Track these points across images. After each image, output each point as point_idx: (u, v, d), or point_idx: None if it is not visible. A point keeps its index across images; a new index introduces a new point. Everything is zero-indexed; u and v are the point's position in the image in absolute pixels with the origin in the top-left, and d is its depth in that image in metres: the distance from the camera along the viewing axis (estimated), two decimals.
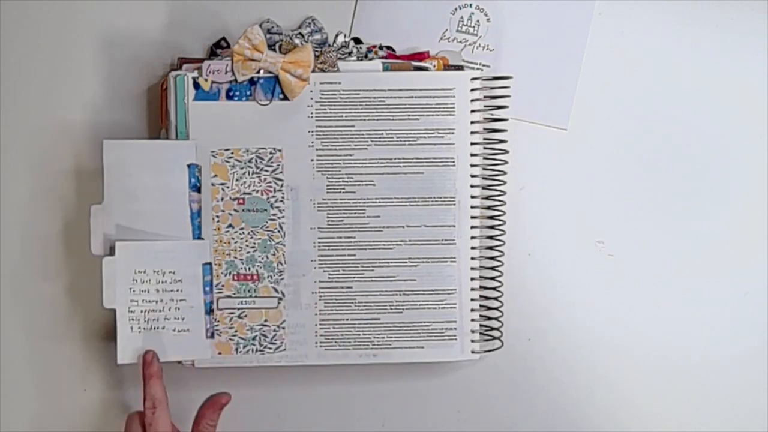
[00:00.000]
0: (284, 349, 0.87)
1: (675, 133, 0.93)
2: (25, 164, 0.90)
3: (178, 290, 0.84)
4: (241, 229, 0.86)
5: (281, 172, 0.86)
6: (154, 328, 0.84)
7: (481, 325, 0.89)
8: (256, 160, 0.86)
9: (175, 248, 0.84)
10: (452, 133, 0.87)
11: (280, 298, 0.87)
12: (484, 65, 0.92)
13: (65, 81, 0.90)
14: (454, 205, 0.88)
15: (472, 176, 0.88)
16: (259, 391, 0.92)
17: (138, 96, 0.90)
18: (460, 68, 0.89)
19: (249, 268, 0.87)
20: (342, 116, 0.86)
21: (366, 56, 0.89)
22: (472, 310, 0.88)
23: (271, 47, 0.85)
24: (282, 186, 0.86)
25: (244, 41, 0.84)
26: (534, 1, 0.92)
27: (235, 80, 0.85)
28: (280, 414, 0.92)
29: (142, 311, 0.84)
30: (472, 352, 0.89)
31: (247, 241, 0.86)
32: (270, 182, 0.86)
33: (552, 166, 0.93)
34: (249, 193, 0.86)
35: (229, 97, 0.85)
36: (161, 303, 0.84)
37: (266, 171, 0.86)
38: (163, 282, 0.84)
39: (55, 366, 0.91)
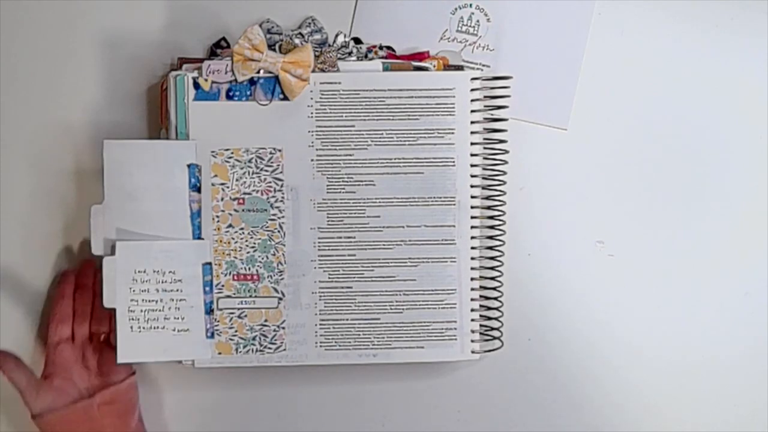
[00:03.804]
0: (284, 349, 0.87)
1: (675, 133, 0.93)
2: (25, 164, 0.90)
3: (178, 290, 0.84)
4: (241, 229, 0.86)
5: (281, 172, 0.86)
6: (154, 328, 0.84)
7: (481, 325, 0.89)
8: (256, 160, 0.86)
9: (175, 248, 0.84)
10: (452, 133, 0.87)
11: (280, 298, 0.87)
12: (484, 65, 0.92)
13: (65, 81, 0.90)
14: (454, 205, 0.88)
15: (472, 176, 0.88)
16: (259, 391, 0.92)
17: (138, 96, 0.90)
18: (460, 68, 0.89)
19: (249, 268, 0.87)
20: (342, 116, 0.86)
21: (366, 56, 0.89)
22: (472, 310, 0.88)
23: (271, 47, 0.85)
24: (282, 186, 0.86)
25: (244, 41, 0.84)
26: (534, 1, 0.92)
27: (235, 80, 0.85)
28: (280, 414, 0.92)
29: (142, 311, 0.84)
30: (472, 352, 0.89)
31: (247, 241, 0.86)
32: (270, 182, 0.86)
33: (552, 166, 0.93)
34: (249, 193, 0.86)
35: (229, 97, 0.85)
36: (161, 303, 0.84)
37: (266, 171, 0.86)
38: (163, 282, 0.84)
39: None
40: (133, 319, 0.84)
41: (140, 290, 0.84)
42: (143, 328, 0.84)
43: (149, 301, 0.84)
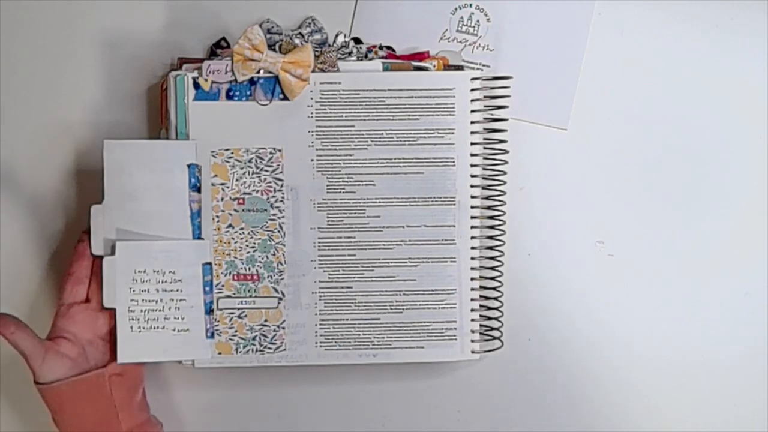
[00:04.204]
0: (284, 349, 0.87)
1: (675, 133, 0.93)
2: (25, 164, 0.90)
3: (178, 290, 0.84)
4: (241, 229, 0.86)
5: (281, 172, 0.86)
6: (154, 328, 0.84)
7: (481, 325, 0.89)
8: (256, 160, 0.86)
9: (175, 248, 0.84)
10: (452, 133, 0.87)
11: (280, 298, 0.87)
12: (484, 65, 0.92)
13: (65, 81, 0.90)
14: (454, 205, 0.88)
15: (472, 176, 0.88)
16: (259, 391, 0.92)
17: (138, 96, 0.90)
18: (460, 68, 0.89)
19: (249, 268, 0.87)
20: (342, 116, 0.86)
21: (366, 56, 0.89)
22: (472, 310, 0.88)
23: (271, 47, 0.85)
24: (282, 186, 0.86)
25: (244, 41, 0.84)
26: (534, 1, 0.92)
27: (235, 80, 0.85)
28: (280, 414, 0.92)
29: (142, 311, 0.84)
30: (472, 352, 0.89)
31: (247, 241, 0.86)
32: (270, 182, 0.86)
33: (552, 166, 0.93)
34: (249, 193, 0.86)
35: (229, 97, 0.85)
36: (161, 303, 0.84)
37: (266, 171, 0.86)
38: (163, 282, 0.84)
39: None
40: (133, 319, 0.84)
41: (140, 290, 0.84)
42: (143, 328, 0.84)
43: (149, 301, 0.84)
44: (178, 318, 0.85)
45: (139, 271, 0.84)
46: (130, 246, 0.84)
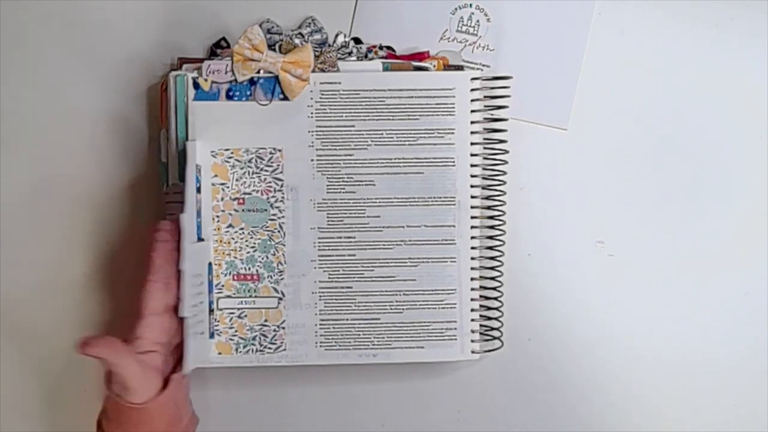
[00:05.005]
0: (284, 349, 0.87)
1: (675, 133, 0.93)
2: (24, 165, 0.90)
3: (200, 293, 0.84)
4: (241, 229, 0.86)
5: (281, 172, 0.86)
6: (197, 333, 0.82)
7: (481, 325, 0.89)
8: (256, 160, 0.86)
9: (201, 249, 0.83)
10: (452, 133, 0.87)
11: (280, 298, 0.87)
12: (484, 65, 0.92)
13: (65, 81, 0.90)
14: (454, 205, 0.88)
15: (472, 176, 0.88)
16: (259, 391, 0.92)
17: (138, 96, 0.90)
18: (460, 68, 0.89)
19: (249, 268, 0.87)
20: (342, 116, 0.86)
21: (366, 56, 0.89)
22: (472, 310, 0.88)
23: (271, 47, 0.85)
24: (282, 186, 0.86)
25: (244, 41, 0.84)
26: (534, 1, 0.92)
27: (235, 80, 0.85)
28: (280, 414, 0.92)
29: (193, 315, 0.82)
30: (472, 352, 0.89)
31: (247, 241, 0.86)
32: (270, 182, 0.86)
33: (552, 166, 0.93)
34: (249, 193, 0.86)
35: (229, 97, 0.85)
36: (198, 307, 0.83)
37: (266, 171, 0.86)
38: (199, 284, 0.83)
39: (55, 367, 0.91)
40: (191, 325, 0.82)
41: (197, 293, 0.82)
42: (197, 333, 0.82)
43: (197, 305, 0.82)
44: (201, 321, 0.84)
45: (194, 275, 0.82)
46: (195, 248, 0.81)
